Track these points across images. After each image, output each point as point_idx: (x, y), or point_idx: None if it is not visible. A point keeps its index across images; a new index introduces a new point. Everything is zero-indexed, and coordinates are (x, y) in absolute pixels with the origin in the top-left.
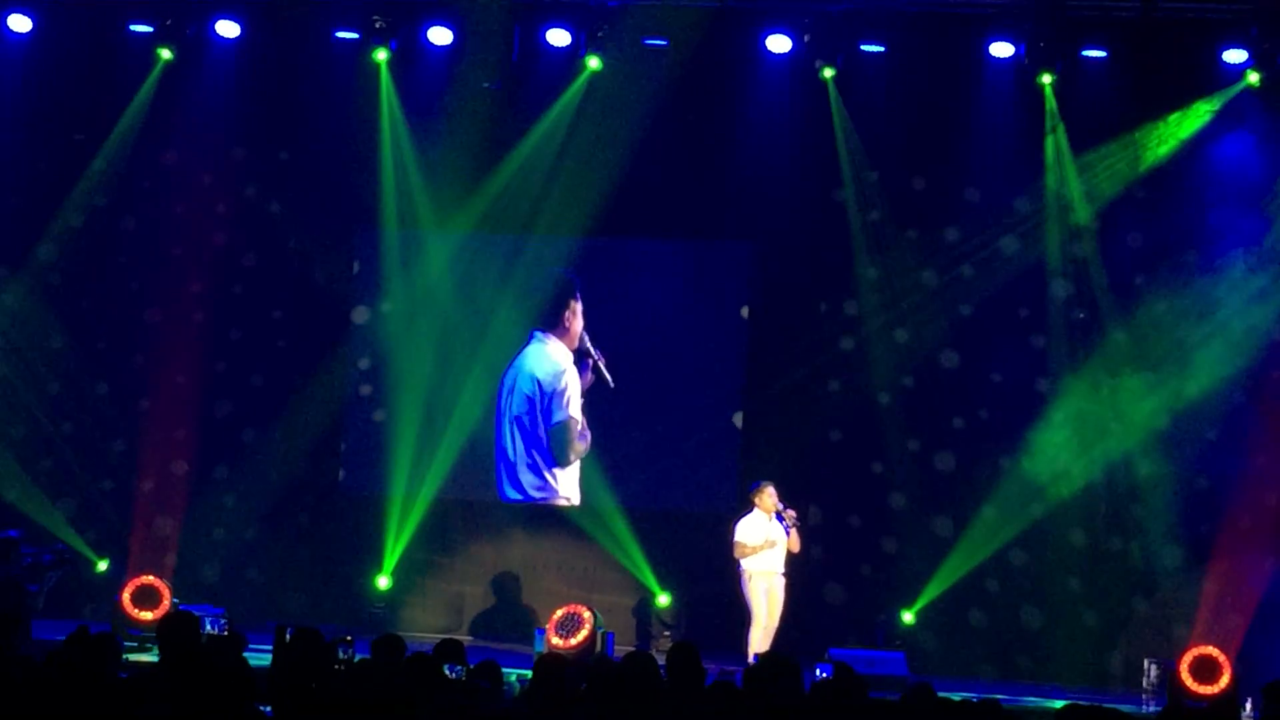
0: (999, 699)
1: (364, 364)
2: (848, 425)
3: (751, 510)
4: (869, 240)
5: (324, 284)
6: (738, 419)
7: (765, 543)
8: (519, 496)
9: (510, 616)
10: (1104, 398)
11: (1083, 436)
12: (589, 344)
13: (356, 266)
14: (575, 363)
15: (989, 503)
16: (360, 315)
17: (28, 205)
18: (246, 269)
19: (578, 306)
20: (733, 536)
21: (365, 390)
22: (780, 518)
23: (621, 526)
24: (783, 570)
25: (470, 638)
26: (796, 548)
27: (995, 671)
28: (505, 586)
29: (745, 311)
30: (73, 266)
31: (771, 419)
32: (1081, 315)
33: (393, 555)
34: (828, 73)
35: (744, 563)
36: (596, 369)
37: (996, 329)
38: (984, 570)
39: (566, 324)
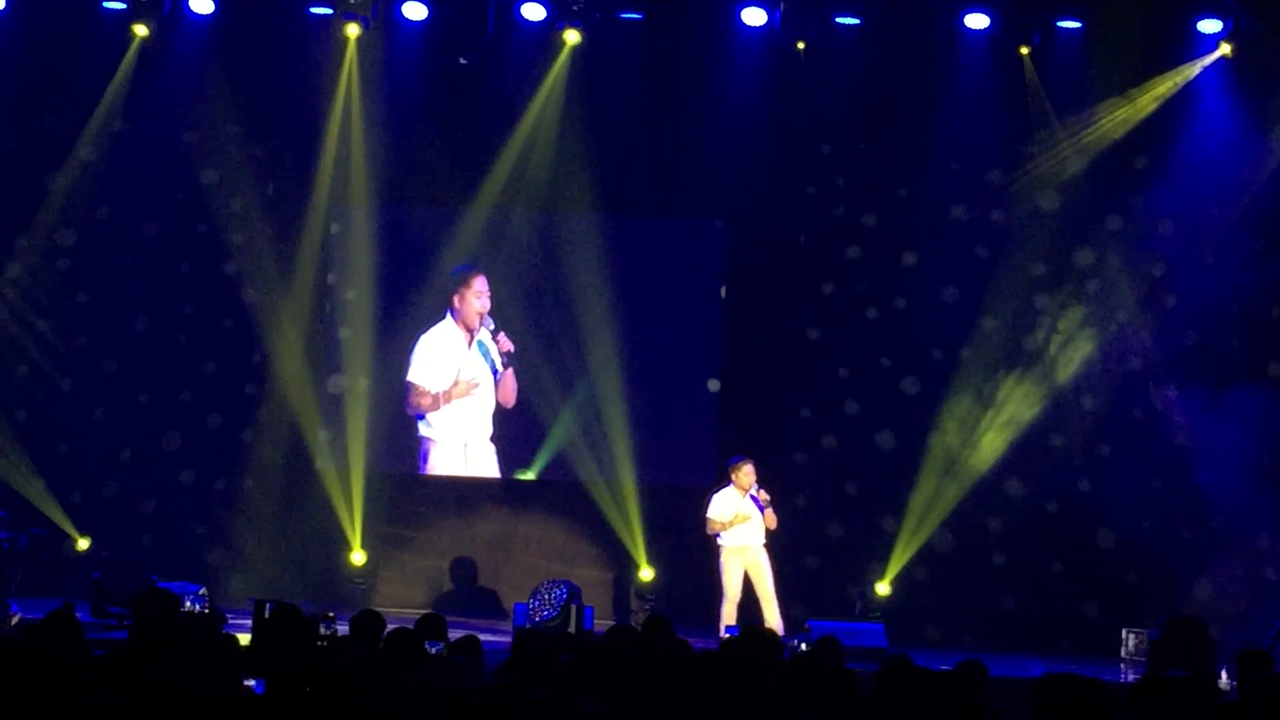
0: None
1: (345, 333)
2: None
3: (727, 485)
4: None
5: (297, 257)
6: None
7: (736, 517)
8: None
9: (490, 591)
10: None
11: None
12: (488, 324)
13: (335, 228)
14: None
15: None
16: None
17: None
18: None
19: (467, 293)
20: (705, 511)
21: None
22: (754, 498)
23: (601, 501)
24: (762, 542)
25: (450, 613)
26: (773, 524)
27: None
28: (485, 562)
29: (723, 291)
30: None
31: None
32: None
33: (356, 530)
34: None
35: (720, 538)
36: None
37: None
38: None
39: (456, 306)
